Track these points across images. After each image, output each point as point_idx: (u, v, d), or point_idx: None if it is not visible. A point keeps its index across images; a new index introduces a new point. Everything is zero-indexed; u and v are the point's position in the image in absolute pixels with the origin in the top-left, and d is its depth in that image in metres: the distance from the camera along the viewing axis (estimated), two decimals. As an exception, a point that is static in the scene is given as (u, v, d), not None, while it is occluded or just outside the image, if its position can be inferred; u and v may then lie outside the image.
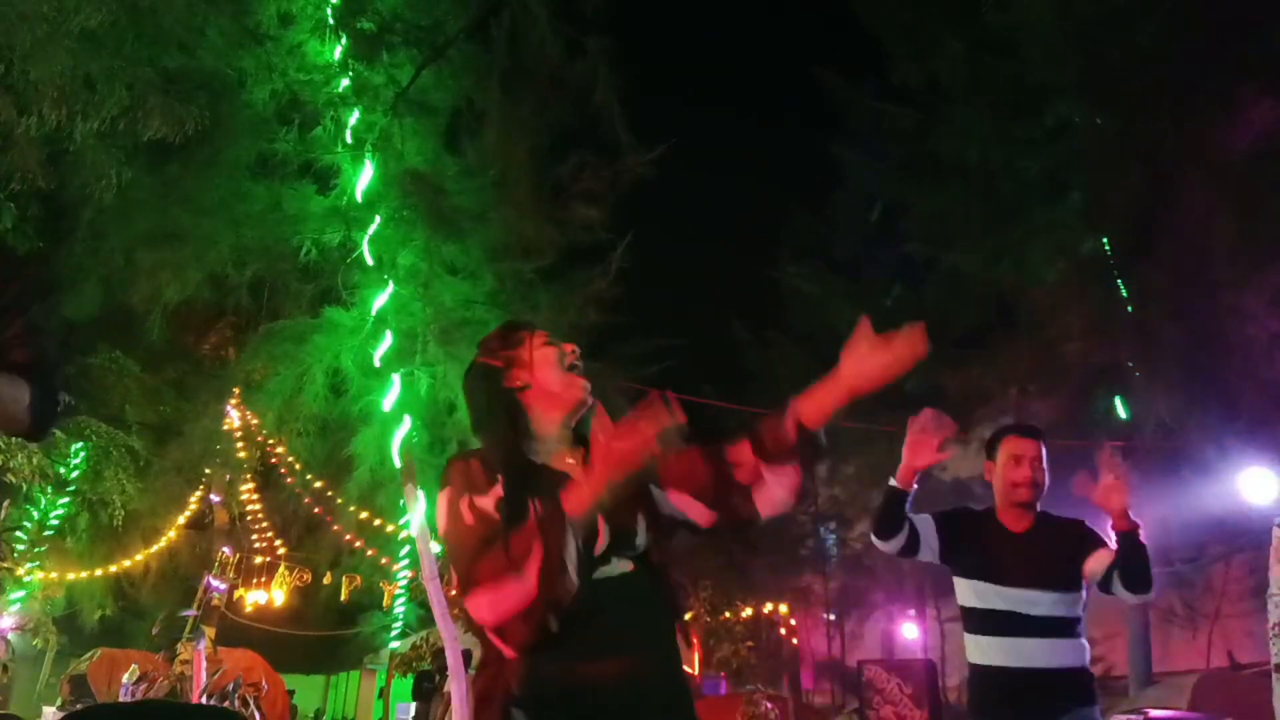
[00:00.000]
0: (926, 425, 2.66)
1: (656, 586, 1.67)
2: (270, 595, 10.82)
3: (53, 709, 9.53)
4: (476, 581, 1.51)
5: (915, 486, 2.82)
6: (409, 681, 10.52)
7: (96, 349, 9.97)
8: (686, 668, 1.81)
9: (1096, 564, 2.79)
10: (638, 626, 1.60)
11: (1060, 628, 2.78)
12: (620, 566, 1.63)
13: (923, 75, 11.20)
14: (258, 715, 8.51)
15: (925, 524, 2.95)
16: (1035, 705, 2.74)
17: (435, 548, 6.69)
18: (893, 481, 2.84)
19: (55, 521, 10.24)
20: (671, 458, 1.74)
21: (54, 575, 10.49)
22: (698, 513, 1.74)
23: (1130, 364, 10.11)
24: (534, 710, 1.54)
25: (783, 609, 16.01)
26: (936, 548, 2.94)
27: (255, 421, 8.73)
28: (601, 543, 1.61)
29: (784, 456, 1.69)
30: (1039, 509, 2.93)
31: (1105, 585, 2.76)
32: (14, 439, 8.35)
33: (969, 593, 2.90)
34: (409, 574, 8.85)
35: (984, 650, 2.84)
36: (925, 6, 11.18)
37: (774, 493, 1.71)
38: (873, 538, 2.95)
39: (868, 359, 1.67)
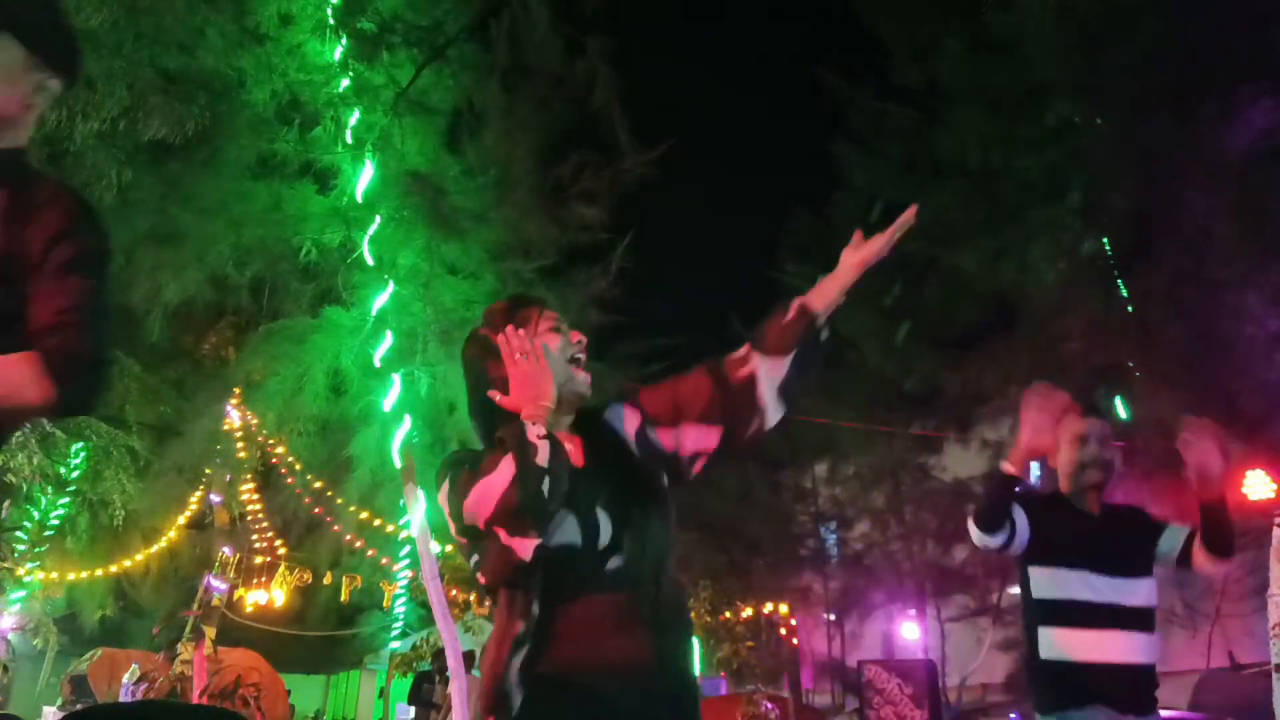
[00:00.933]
0: (1049, 395, 2.55)
1: (663, 580, 1.66)
2: (270, 595, 10.83)
3: (53, 709, 9.55)
4: (469, 493, 1.57)
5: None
6: (409, 681, 10.53)
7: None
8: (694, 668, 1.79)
9: (1171, 540, 2.70)
10: (644, 619, 1.59)
11: (1150, 619, 2.64)
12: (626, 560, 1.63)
13: (923, 75, 11.20)
14: (258, 715, 8.51)
15: (1017, 513, 2.70)
16: (1136, 704, 2.55)
17: (435, 548, 6.69)
18: (1004, 466, 2.60)
19: (55, 521, 10.22)
20: (679, 384, 1.77)
21: (54, 575, 10.48)
22: (713, 435, 1.74)
23: (1130, 364, 10.11)
24: (533, 695, 1.55)
25: (783, 609, 16.01)
26: (1027, 536, 2.70)
27: (255, 421, 8.73)
28: (605, 536, 1.62)
29: (782, 346, 1.72)
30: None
31: (1185, 559, 2.66)
32: (14, 439, 8.35)
33: (1056, 583, 2.67)
34: (409, 574, 8.85)
35: (1073, 645, 2.60)
36: (925, 6, 11.18)
37: (766, 385, 1.72)
38: (976, 532, 2.68)
39: (863, 244, 1.79)
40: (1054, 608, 2.66)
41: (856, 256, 1.78)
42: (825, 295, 1.77)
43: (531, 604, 1.58)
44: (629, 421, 1.78)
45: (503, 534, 1.54)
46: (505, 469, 1.52)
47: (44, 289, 1.40)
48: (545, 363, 1.65)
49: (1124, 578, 2.63)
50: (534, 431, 1.55)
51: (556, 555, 1.57)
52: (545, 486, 1.51)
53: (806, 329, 1.74)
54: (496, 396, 1.69)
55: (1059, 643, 2.64)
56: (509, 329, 1.68)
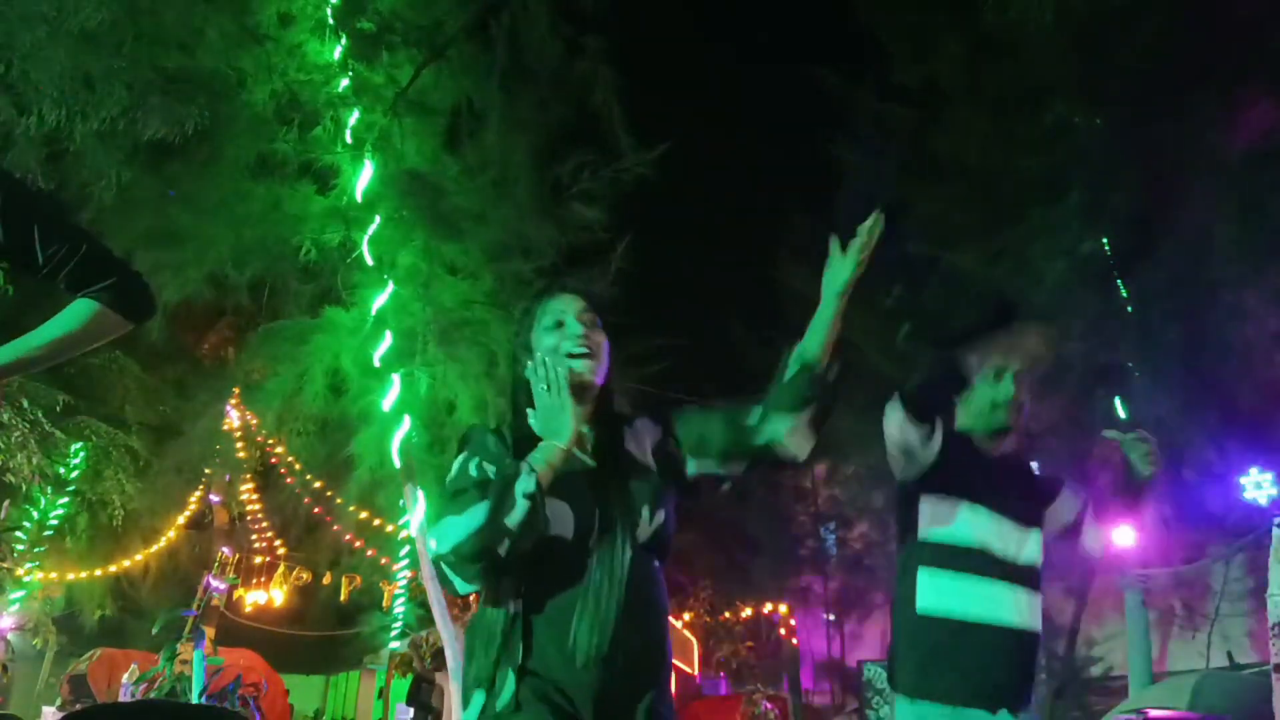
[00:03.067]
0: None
1: (651, 572, 1.69)
2: (270, 595, 10.84)
3: (53, 709, 9.54)
4: (436, 521, 1.64)
5: None
6: (408, 682, 10.54)
7: (96, 349, 9.96)
8: (678, 661, 1.82)
9: (1066, 507, 2.42)
10: (628, 607, 1.61)
11: (1038, 580, 2.32)
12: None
13: (923, 75, 11.20)
14: (257, 715, 8.51)
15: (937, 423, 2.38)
16: (1012, 671, 2.21)
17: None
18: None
19: (55, 521, 10.23)
20: (707, 422, 1.81)
21: (54, 575, 10.49)
22: (739, 466, 1.79)
23: (1130, 364, 10.12)
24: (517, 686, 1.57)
25: (783, 609, 16.02)
26: (937, 450, 2.33)
27: (255, 421, 8.74)
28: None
29: (793, 404, 1.72)
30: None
31: (1074, 531, 2.42)
32: (14, 439, 8.36)
33: (959, 519, 2.29)
34: (409, 574, 8.86)
35: (955, 595, 2.23)
36: (925, 6, 11.18)
37: (789, 443, 1.73)
38: (898, 416, 2.33)
39: (839, 267, 1.77)
40: (951, 550, 2.27)
41: (835, 286, 1.77)
42: (818, 338, 1.75)
43: (510, 595, 1.62)
44: (649, 434, 1.83)
45: (447, 567, 1.59)
46: (474, 517, 1.54)
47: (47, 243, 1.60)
48: (566, 398, 1.69)
49: (1024, 528, 2.32)
50: (523, 485, 1.55)
51: (550, 544, 1.60)
52: (504, 548, 1.52)
53: (812, 382, 1.72)
54: (530, 417, 1.77)
55: (949, 591, 2.23)
56: (538, 358, 1.75)
